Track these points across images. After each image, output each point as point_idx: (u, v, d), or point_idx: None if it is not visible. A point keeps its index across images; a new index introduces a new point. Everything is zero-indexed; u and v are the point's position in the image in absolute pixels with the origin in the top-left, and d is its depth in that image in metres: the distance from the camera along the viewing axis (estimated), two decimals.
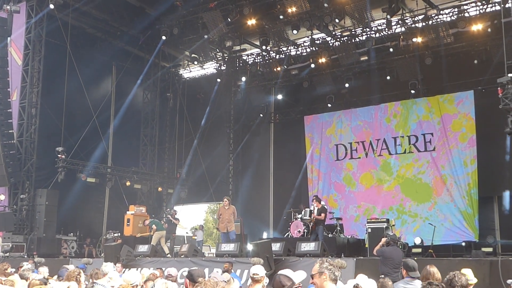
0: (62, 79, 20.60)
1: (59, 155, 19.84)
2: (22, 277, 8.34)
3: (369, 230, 15.67)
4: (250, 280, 6.76)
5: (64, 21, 20.81)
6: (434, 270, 6.35)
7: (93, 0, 21.42)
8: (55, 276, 9.86)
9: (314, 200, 16.88)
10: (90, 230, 23.01)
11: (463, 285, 5.17)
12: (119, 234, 20.73)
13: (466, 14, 19.20)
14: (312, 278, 4.52)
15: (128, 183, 22.95)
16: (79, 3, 21.29)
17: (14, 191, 20.02)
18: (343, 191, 23.19)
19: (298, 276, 4.61)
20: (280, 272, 4.73)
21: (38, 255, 17.76)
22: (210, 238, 50.32)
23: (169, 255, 17.64)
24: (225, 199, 16.97)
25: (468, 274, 6.56)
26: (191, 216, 22.19)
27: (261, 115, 26.44)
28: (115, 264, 13.20)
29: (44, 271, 10.01)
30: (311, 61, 22.69)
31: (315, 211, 16.37)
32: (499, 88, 14.21)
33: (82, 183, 21.09)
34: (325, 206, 16.99)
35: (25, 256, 18.05)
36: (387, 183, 22.17)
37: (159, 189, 24.68)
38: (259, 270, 6.55)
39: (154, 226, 18.68)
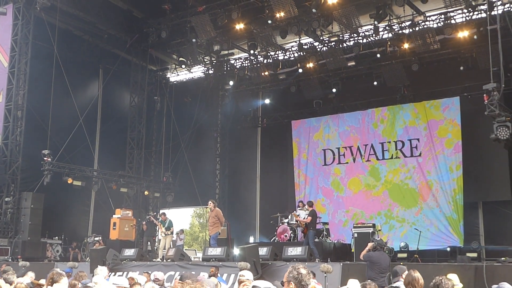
0: (49, 81, 20.41)
1: (45, 158, 19.66)
2: (6, 281, 8.27)
3: (356, 235, 15.77)
4: (237, 284, 6.82)
5: (51, 23, 20.65)
6: (418, 275, 6.37)
7: (80, 2, 21.32)
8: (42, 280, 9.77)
9: (302, 204, 16.88)
10: (75, 233, 22.83)
11: None
12: (101, 237, 20.61)
13: (453, 21, 19.36)
14: (282, 285, 4.56)
15: (114, 187, 22.79)
16: (67, 5, 21.18)
17: None
18: (331, 196, 23.26)
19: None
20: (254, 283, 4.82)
21: (22, 259, 17.58)
22: (196, 242, 50.23)
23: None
24: (209, 202, 17.00)
25: (454, 279, 6.62)
26: (177, 220, 22.04)
27: (248, 119, 26.46)
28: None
29: (32, 275, 9.92)
30: (298, 66, 22.75)
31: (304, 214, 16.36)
32: (484, 95, 14.36)
33: (67, 186, 20.90)
34: (314, 210, 16.98)
35: (10, 260, 17.87)
36: (375, 188, 22.28)
37: (146, 192, 24.54)
38: (247, 273, 6.60)
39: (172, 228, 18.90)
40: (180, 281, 5.71)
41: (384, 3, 18.78)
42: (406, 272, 7.65)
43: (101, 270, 9.57)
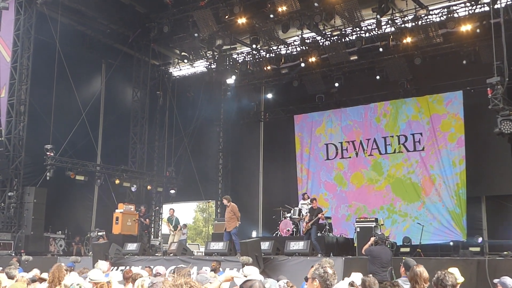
0: (51, 76, 20.37)
1: (48, 153, 19.67)
2: (8, 275, 8.30)
3: (358, 229, 15.77)
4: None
5: (53, 18, 20.65)
6: (421, 269, 6.35)
7: None
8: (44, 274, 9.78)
9: (314, 200, 16.71)
10: (78, 228, 22.87)
11: (453, 284, 5.18)
12: (104, 232, 20.62)
13: (455, 15, 19.28)
14: (306, 281, 4.43)
15: (117, 181, 22.81)
16: (69, 0, 21.17)
17: (2, 189, 19.82)
18: (334, 190, 23.24)
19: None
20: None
21: (25, 253, 17.64)
22: (199, 236, 50.32)
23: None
24: (223, 199, 17.08)
25: (455, 273, 6.59)
26: (180, 215, 22.05)
27: (251, 114, 26.46)
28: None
29: (37, 272, 9.92)
30: (301, 60, 22.69)
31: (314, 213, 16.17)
32: (488, 89, 14.29)
33: (70, 181, 20.93)
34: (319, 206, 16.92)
35: (13, 254, 17.93)
36: (378, 182, 22.26)
37: (148, 187, 24.58)
38: (250, 269, 6.57)
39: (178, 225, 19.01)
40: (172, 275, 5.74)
41: None
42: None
43: (102, 265, 9.53)
